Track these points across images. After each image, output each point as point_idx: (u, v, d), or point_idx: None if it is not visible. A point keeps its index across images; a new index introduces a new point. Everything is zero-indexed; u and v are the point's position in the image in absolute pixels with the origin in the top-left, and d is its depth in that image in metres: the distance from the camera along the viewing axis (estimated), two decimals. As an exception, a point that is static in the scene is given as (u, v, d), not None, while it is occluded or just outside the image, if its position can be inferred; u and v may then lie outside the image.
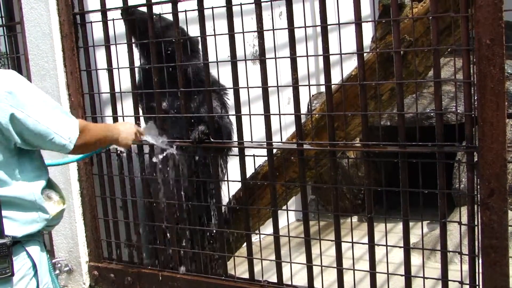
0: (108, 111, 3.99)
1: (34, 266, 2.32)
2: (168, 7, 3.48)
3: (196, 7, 3.36)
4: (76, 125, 2.37)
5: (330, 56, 3.07)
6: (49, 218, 2.38)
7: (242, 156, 3.45)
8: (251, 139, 3.38)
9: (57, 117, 2.30)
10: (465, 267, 2.91)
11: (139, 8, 3.72)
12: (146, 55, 3.76)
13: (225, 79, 3.54)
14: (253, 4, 3.19)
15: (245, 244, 3.66)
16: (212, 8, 3.29)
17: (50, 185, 2.46)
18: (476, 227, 2.78)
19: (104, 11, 3.71)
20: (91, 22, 3.83)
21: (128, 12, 3.66)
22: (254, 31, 3.24)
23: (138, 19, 3.70)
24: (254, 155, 3.41)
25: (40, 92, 2.29)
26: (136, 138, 2.97)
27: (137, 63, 3.76)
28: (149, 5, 3.52)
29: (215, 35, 3.35)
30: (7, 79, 2.21)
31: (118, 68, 3.74)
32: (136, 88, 3.73)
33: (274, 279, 3.46)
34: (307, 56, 3.14)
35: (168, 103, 3.79)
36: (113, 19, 3.67)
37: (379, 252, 3.20)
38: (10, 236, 2.21)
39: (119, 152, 3.82)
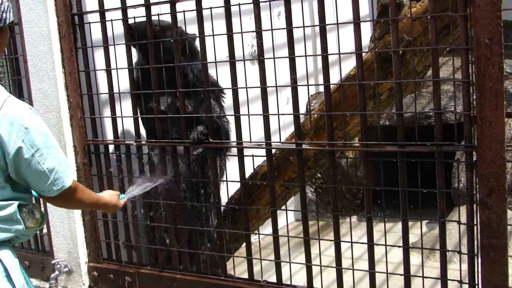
0: (107, 112, 3.99)
1: (6, 270, 2.34)
2: (166, 8, 3.48)
3: (195, 8, 3.36)
4: (71, 179, 2.43)
5: (329, 56, 3.07)
6: (22, 230, 2.40)
7: (241, 156, 3.45)
8: (250, 139, 3.38)
9: (59, 164, 2.37)
10: (464, 266, 2.91)
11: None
12: (145, 57, 3.76)
13: (224, 79, 3.54)
14: (252, 4, 3.19)
15: (244, 244, 3.66)
16: (211, 8, 3.29)
17: (34, 204, 2.50)
18: (475, 226, 2.78)
19: (102, 11, 3.71)
20: (89, 23, 3.83)
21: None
22: (253, 31, 3.24)
23: (137, 25, 3.71)
24: (253, 155, 3.41)
25: (51, 136, 2.37)
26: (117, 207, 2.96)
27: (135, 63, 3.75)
28: (147, 5, 3.51)
29: (213, 35, 3.35)
30: (27, 114, 2.28)
31: (117, 69, 3.74)
32: (134, 88, 3.73)
33: (273, 279, 3.45)
34: (305, 56, 3.14)
35: (167, 103, 3.79)
36: (111, 20, 3.67)
37: (378, 251, 3.20)
38: None
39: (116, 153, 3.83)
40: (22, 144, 2.25)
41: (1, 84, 2.39)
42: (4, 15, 2.31)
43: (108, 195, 2.83)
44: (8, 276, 2.34)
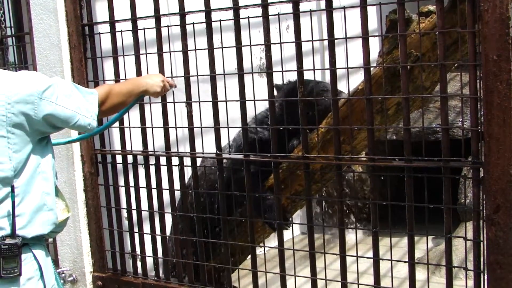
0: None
1: (40, 268, 2.40)
2: (176, 19, 3.50)
3: (204, 20, 3.38)
4: (96, 99, 2.55)
5: (337, 70, 3.08)
6: (57, 223, 2.48)
7: (247, 169, 3.44)
8: (257, 152, 3.38)
9: (79, 98, 2.49)
10: (470, 282, 2.90)
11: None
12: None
13: (232, 92, 3.54)
14: (261, 18, 3.20)
15: (249, 256, 3.65)
16: (220, 21, 3.31)
17: (57, 192, 2.55)
18: (481, 243, 2.77)
19: (112, 22, 3.74)
20: (99, 34, 3.85)
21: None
22: (262, 44, 3.26)
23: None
24: (259, 168, 3.41)
25: (60, 81, 2.49)
26: (165, 87, 3.08)
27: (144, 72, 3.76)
28: (157, 17, 3.54)
29: (222, 47, 3.36)
30: (34, 80, 2.38)
31: (126, 79, 3.75)
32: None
33: (278, 292, 3.45)
34: (313, 69, 3.15)
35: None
36: (121, 31, 3.69)
37: (384, 266, 3.19)
38: (20, 237, 2.31)
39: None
40: (44, 105, 2.34)
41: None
42: None
43: (147, 77, 3.03)
44: (42, 275, 2.40)
